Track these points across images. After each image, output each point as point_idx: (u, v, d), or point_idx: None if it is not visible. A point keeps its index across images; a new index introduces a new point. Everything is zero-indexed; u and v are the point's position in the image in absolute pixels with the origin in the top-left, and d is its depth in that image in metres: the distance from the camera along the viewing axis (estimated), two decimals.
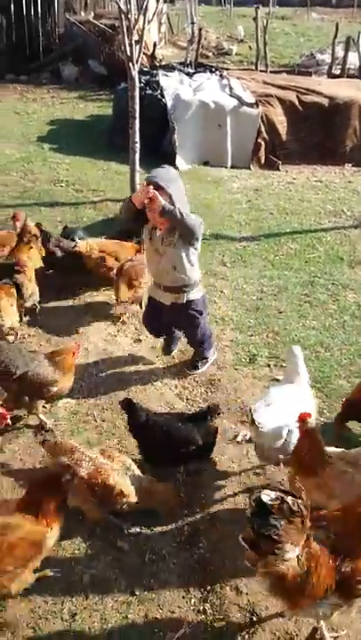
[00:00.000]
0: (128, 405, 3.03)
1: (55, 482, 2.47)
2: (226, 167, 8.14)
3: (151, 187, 3.21)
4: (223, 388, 3.79)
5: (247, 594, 2.55)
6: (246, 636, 2.40)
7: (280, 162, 8.37)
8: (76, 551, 2.68)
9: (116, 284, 4.30)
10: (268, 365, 4.03)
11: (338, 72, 11.61)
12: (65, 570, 2.59)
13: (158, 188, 3.17)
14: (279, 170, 8.26)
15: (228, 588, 2.57)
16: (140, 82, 7.45)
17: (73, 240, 4.68)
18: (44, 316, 4.41)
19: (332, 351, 4.19)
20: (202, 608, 2.49)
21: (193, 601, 2.52)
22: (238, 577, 2.61)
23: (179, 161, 7.88)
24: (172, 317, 3.73)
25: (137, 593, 2.51)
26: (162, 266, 3.46)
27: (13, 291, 3.92)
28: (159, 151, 7.92)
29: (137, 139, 6.44)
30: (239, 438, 3.40)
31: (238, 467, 3.20)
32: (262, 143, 8.42)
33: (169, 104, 8.06)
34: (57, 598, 2.47)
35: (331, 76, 11.67)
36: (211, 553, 2.71)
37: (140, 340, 4.26)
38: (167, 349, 4.10)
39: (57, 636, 2.34)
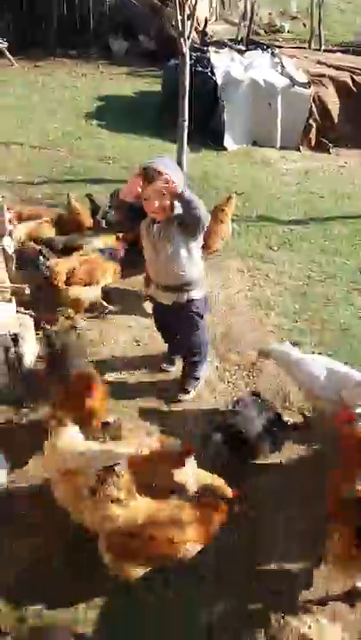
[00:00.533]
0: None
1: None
2: (275, 148, 7.95)
3: (140, 178, 2.85)
4: (266, 372, 3.75)
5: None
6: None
7: (331, 144, 8.12)
8: None
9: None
10: (313, 352, 3.94)
11: None
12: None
13: (156, 172, 2.79)
14: (330, 152, 8.02)
15: None
16: (191, 58, 7.31)
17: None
18: None
19: None
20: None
21: None
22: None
23: (227, 140, 7.75)
24: (172, 319, 3.37)
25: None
26: (160, 263, 3.09)
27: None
28: (207, 129, 7.79)
29: (186, 116, 6.36)
30: None
31: (278, 454, 3.16)
32: (313, 124, 8.17)
33: (219, 82, 7.89)
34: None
35: None
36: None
37: None
38: (169, 360, 3.75)
39: None
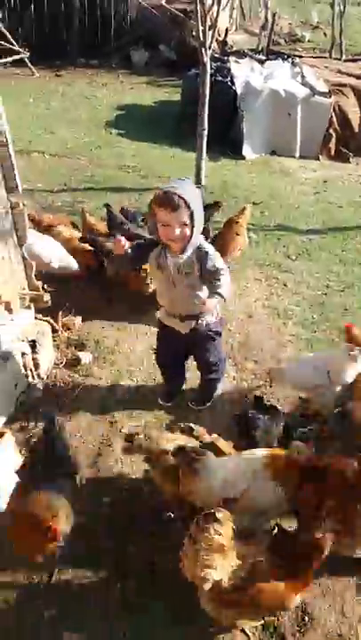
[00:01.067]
0: None
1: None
2: (294, 157, 7.93)
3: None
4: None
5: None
6: (298, 634, 2.36)
7: (351, 154, 8.07)
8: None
9: None
10: None
11: None
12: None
13: (181, 200, 2.59)
14: (350, 162, 7.97)
15: None
16: (211, 68, 7.35)
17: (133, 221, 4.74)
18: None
19: None
20: None
21: None
22: None
23: (245, 149, 7.76)
24: (187, 344, 3.22)
25: None
26: (178, 296, 2.93)
27: None
28: (226, 139, 7.81)
29: (205, 125, 6.39)
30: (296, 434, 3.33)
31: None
32: (333, 134, 8.13)
33: (239, 91, 7.91)
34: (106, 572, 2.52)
35: None
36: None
37: None
38: (168, 395, 3.51)
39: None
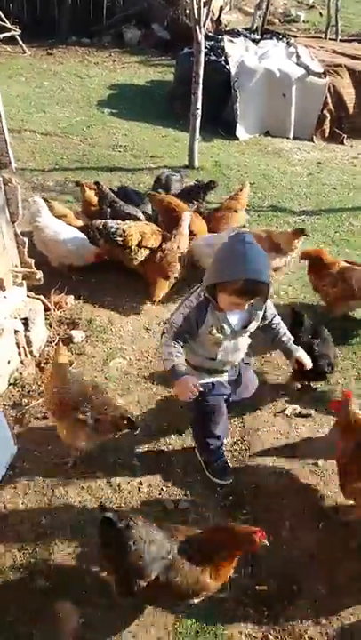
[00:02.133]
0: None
1: None
2: (288, 138, 7.88)
3: None
4: (274, 361, 3.75)
5: (290, 563, 2.55)
6: (286, 602, 2.42)
7: (345, 135, 8.03)
8: (123, 505, 2.75)
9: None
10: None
11: None
12: None
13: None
14: (344, 144, 7.93)
15: (269, 555, 2.57)
16: (205, 47, 7.25)
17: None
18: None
19: None
20: (243, 572, 2.52)
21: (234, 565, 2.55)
22: (281, 546, 2.62)
23: (239, 130, 7.69)
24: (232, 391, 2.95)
25: None
26: (238, 347, 2.73)
27: None
28: (219, 119, 7.74)
29: (199, 105, 6.33)
30: (288, 412, 3.37)
31: (286, 439, 3.18)
32: (328, 115, 8.07)
33: (233, 71, 7.82)
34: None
35: None
36: (253, 521, 2.71)
37: None
38: (225, 467, 2.93)
39: (103, 582, 2.44)
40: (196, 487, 2.86)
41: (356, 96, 8.23)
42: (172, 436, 3.16)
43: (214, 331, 2.54)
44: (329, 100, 8.03)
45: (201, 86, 6.26)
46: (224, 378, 2.85)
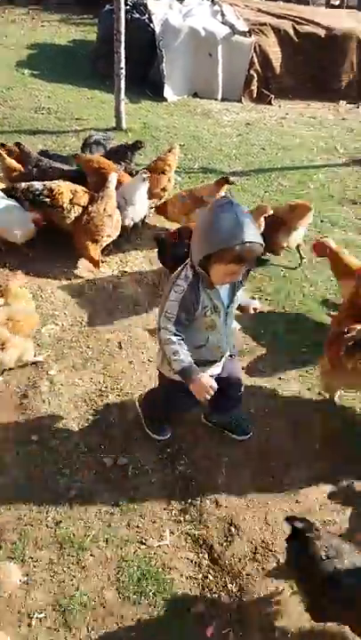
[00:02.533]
0: None
1: None
2: (216, 99, 7.83)
3: None
4: None
5: (226, 507, 2.65)
6: (225, 543, 2.51)
7: (273, 96, 8.07)
8: (60, 466, 2.74)
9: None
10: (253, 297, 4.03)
11: (337, 2, 11.04)
12: (50, 482, 2.66)
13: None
14: (272, 104, 7.98)
15: (208, 501, 2.66)
16: (127, 4, 7.00)
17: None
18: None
19: (316, 285, 4.20)
20: (182, 519, 2.59)
21: (173, 512, 2.61)
22: (218, 491, 2.70)
23: (167, 91, 7.55)
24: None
25: (120, 504, 2.60)
26: (229, 331, 2.51)
27: None
28: (146, 80, 7.56)
29: (122, 65, 6.13)
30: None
31: None
32: (255, 75, 8.07)
33: (157, 30, 7.62)
34: (42, 507, 2.55)
35: (329, 6, 11.11)
36: (193, 469, 2.79)
37: (126, 272, 4.20)
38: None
39: (42, 541, 2.43)
40: (134, 443, 2.89)
41: (283, 56, 8.27)
42: (110, 396, 3.15)
43: (209, 312, 2.33)
44: (255, 60, 8.02)
45: (123, 45, 6.05)
46: (211, 370, 2.53)
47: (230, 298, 2.41)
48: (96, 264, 3.98)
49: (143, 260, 4.32)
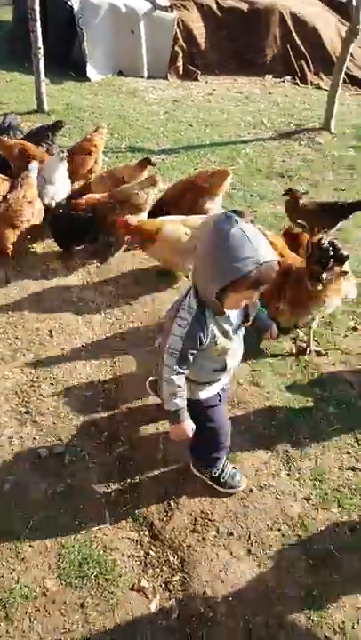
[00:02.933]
0: None
1: None
2: (142, 77, 7.71)
3: None
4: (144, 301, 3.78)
5: (165, 483, 2.67)
6: (165, 518, 2.54)
7: (199, 72, 8.03)
8: None
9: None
10: None
11: None
12: None
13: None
14: (198, 80, 7.96)
15: (146, 478, 2.67)
16: None
17: None
18: None
19: None
20: (121, 499, 2.59)
21: (113, 494, 2.60)
22: (157, 468, 2.72)
23: (90, 70, 7.37)
24: None
25: (58, 491, 2.57)
26: (239, 348, 2.31)
27: None
28: (68, 59, 7.33)
29: (40, 44, 5.92)
30: (156, 344, 3.43)
31: (156, 372, 3.26)
32: (180, 52, 8.02)
33: (75, 7, 7.39)
34: None
35: None
36: (130, 450, 2.79)
37: (56, 259, 4.11)
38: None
39: None
40: (70, 431, 2.86)
41: (206, 31, 8.22)
42: (42, 386, 3.09)
43: (220, 339, 2.11)
44: (179, 36, 7.95)
45: (39, 23, 5.83)
46: (226, 380, 2.44)
47: (241, 317, 2.19)
48: (5, 251, 3.84)
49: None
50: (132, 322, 3.58)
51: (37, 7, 5.78)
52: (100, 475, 2.68)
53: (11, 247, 3.79)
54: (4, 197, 3.86)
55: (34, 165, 4.09)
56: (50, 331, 3.45)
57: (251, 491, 2.66)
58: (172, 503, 2.60)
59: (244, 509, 2.59)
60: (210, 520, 2.55)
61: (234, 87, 7.82)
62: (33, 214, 3.90)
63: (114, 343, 3.42)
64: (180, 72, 8.03)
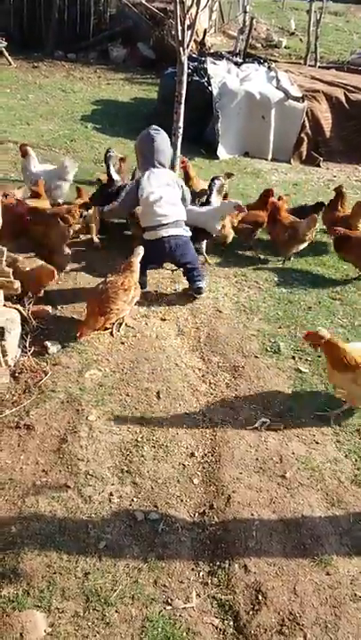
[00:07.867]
0: None
1: None
2: (266, 159, 8.11)
3: None
4: (246, 375, 3.83)
5: (255, 573, 2.60)
6: (251, 612, 2.46)
7: (322, 158, 8.30)
8: (93, 515, 2.77)
9: None
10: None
11: None
12: (80, 533, 2.68)
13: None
14: (320, 166, 8.19)
15: (236, 565, 2.63)
16: (188, 68, 7.45)
17: None
18: None
19: None
20: (209, 581, 2.56)
21: (201, 574, 2.59)
22: (248, 557, 2.67)
23: (220, 150, 7.89)
24: None
25: (148, 560, 2.60)
26: None
27: None
28: (201, 138, 7.93)
29: (181, 123, 6.47)
30: (257, 424, 3.44)
31: (255, 452, 3.25)
32: (305, 138, 8.36)
33: (215, 92, 8.05)
34: (72, 557, 2.57)
35: None
36: (223, 531, 2.77)
37: (166, 320, 4.31)
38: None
39: (69, 591, 2.44)
40: (166, 499, 2.90)
41: (333, 121, 8.54)
42: (145, 447, 3.19)
43: None
44: (307, 124, 8.32)
45: (183, 106, 6.41)
46: None
47: None
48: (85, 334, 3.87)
49: (184, 310, 4.44)
50: (236, 397, 3.62)
51: (184, 92, 6.39)
52: (192, 551, 2.68)
53: (90, 332, 3.87)
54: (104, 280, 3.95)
55: (139, 251, 4.14)
56: (157, 392, 3.59)
57: (344, 600, 2.51)
58: (260, 597, 2.52)
59: (335, 619, 2.45)
60: (298, 624, 2.44)
61: (355, 176, 7.97)
62: (125, 302, 3.93)
63: (215, 416, 3.47)
64: (303, 157, 8.35)
